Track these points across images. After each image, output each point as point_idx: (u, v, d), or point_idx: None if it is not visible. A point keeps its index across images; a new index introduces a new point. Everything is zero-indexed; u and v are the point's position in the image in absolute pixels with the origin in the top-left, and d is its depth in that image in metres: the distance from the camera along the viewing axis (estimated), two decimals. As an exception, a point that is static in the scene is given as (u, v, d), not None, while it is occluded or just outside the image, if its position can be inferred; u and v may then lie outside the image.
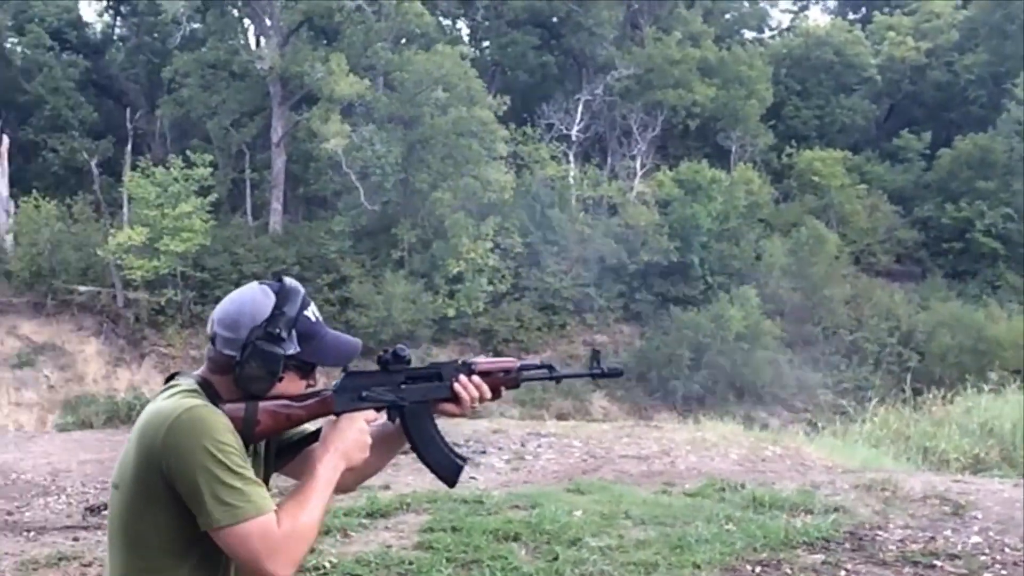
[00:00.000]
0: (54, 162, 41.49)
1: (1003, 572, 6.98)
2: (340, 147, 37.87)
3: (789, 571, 7.07)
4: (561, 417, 24.85)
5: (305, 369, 2.77)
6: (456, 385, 2.93)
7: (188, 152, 38.10)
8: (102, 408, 29.09)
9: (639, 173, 43.91)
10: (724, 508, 8.53)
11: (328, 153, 38.51)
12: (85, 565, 7.07)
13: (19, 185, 38.94)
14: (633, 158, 44.50)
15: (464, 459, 3.06)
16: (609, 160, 45.44)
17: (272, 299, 2.70)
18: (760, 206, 43.96)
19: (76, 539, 7.78)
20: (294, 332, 2.70)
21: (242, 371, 2.66)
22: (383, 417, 2.91)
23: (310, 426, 2.90)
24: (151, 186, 36.38)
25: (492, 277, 38.13)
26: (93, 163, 39.57)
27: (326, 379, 2.90)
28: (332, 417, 2.81)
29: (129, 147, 40.08)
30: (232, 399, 2.67)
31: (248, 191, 41.74)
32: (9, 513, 8.56)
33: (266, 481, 2.84)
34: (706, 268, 40.98)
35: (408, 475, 10.02)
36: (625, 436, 11.71)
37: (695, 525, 8.00)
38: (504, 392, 3.06)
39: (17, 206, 37.79)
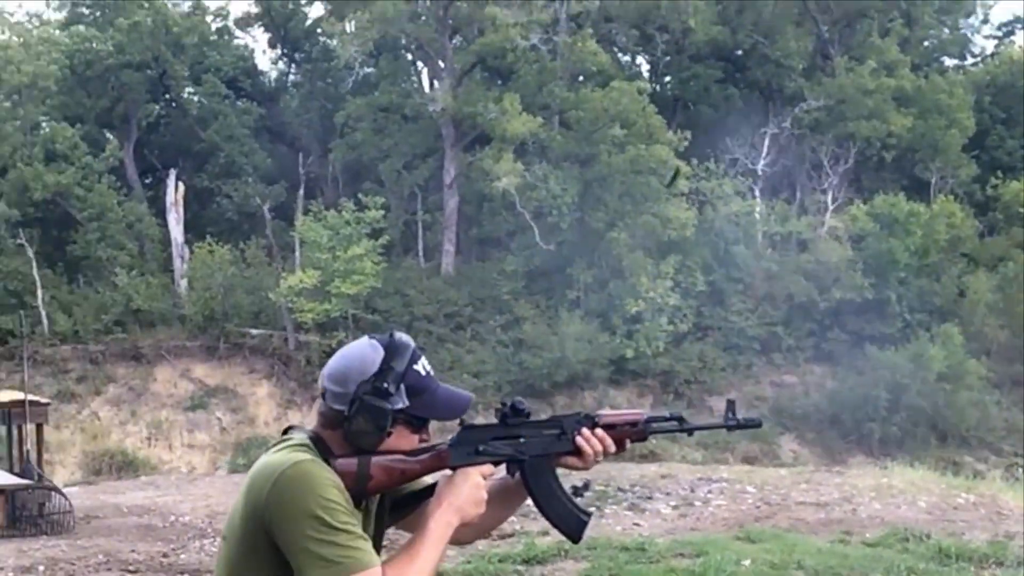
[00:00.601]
0: (228, 208, 43.01)
1: None
2: (513, 186, 38.24)
3: (976, 627, 6.74)
4: (747, 461, 24.43)
5: (416, 424, 2.76)
6: (579, 439, 2.88)
7: (360, 195, 39.07)
8: (274, 452, 29.79)
9: (830, 207, 43.03)
10: (906, 559, 8.20)
11: (501, 193, 38.91)
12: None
13: (194, 231, 40.55)
14: (824, 192, 43.64)
15: (588, 514, 3.01)
16: (798, 195, 44.71)
17: (381, 353, 2.70)
18: (963, 240, 42.59)
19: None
20: (403, 386, 2.69)
21: (351, 426, 2.66)
22: (502, 471, 2.88)
23: (427, 480, 2.87)
24: (323, 229, 37.38)
25: (673, 316, 37.85)
26: (266, 208, 40.90)
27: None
28: (448, 472, 2.79)
29: (301, 192, 41.38)
30: (344, 454, 2.68)
31: (420, 232, 42.48)
32: (165, 555, 8.80)
33: (380, 537, 2.84)
34: (904, 305, 39.86)
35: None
36: (804, 482, 11.39)
37: (873, 576, 7.71)
38: (629, 445, 2.98)
39: (192, 252, 39.30)
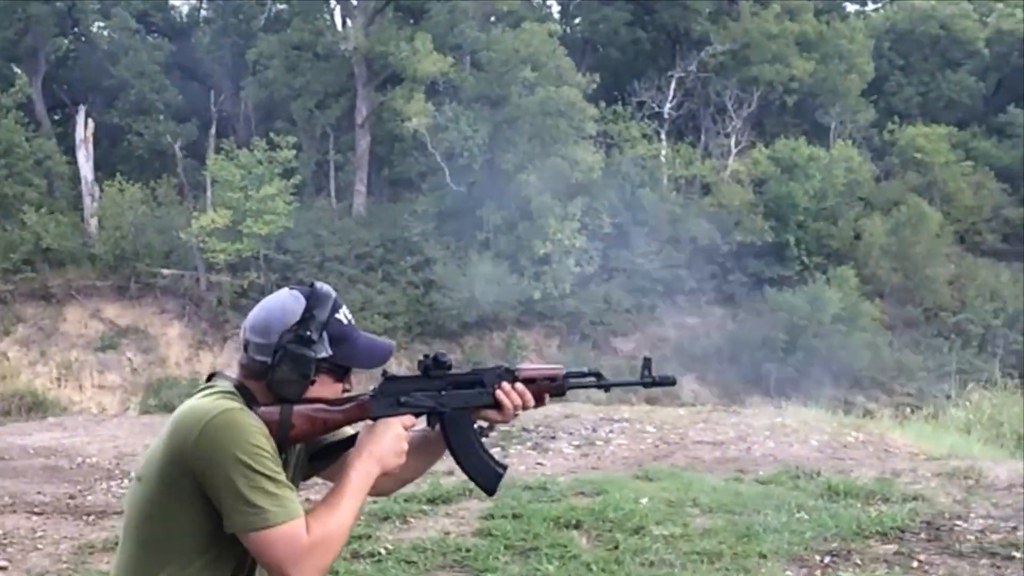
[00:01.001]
0: (139, 146, 42.28)
1: (1088, 565, 6.78)
2: (424, 127, 38.05)
3: (859, 562, 6.94)
4: (650, 401, 24.70)
5: (338, 372, 2.78)
6: (499, 392, 2.92)
7: (272, 134, 38.67)
8: (184, 391, 29.54)
9: (733, 151, 43.48)
10: (797, 496, 8.39)
11: (413, 134, 38.69)
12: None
13: (104, 169, 39.81)
14: (727, 136, 44.05)
15: (504, 467, 3.06)
16: (703, 138, 45.04)
17: (303, 303, 2.73)
18: (860, 184, 43.23)
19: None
20: (325, 335, 2.71)
21: (274, 374, 2.68)
22: (422, 423, 2.92)
23: (349, 430, 2.91)
24: (235, 168, 36.96)
25: (580, 259, 38.06)
26: (177, 146, 40.23)
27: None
28: (369, 422, 2.82)
29: (213, 130, 40.81)
30: (267, 403, 2.70)
31: (332, 173, 42.17)
32: (71, 497, 8.73)
33: (296, 486, 2.85)
34: (802, 248, 40.49)
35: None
36: (702, 422, 11.59)
37: (764, 514, 7.88)
38: (548, 400, 3.04)
39: (102, 190, 38.57)
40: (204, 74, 46.24)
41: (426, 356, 2.92)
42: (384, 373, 2.87)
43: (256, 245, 36.00)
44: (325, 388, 2.76)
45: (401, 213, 39.65)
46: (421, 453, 2.99)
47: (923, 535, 7.46)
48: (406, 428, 2.83)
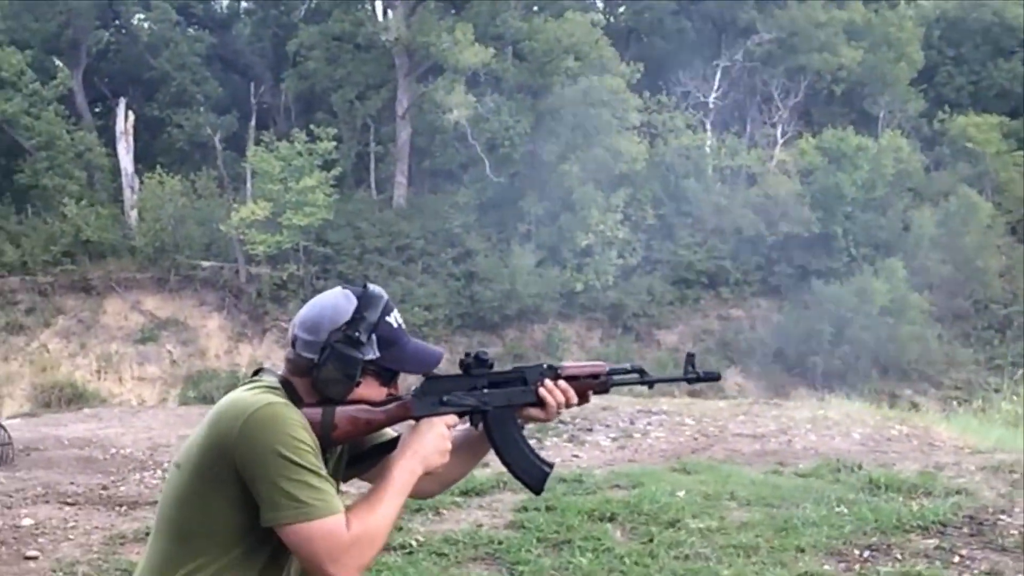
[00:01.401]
0: (179, 138, 42.50)
1: None
2: (465, 118, 38.07)
3: (899, 556, 6.87)
4: (692, 395, 24.59)
5: (385, 376, 2.77)
6: (541, 390, 2.89)
7: (312, 126, 38.79)
8: (223, 383, 29.81)
9: (780, 141, 43.24)
10: (837, 490, 8.33)
11: (454, 125, 38.73)
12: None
13: (144, 161, 40.09)
14: (774, 126, 43.81)
15: (551, 465, 3.02)
16: (748, 128, 44.78)
17: (354, 303, 2.71)
18: (909, 174, 42.82)
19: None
20: (374, 337, 2.70)
21: (320, 373, 2.67)
22: (466, 422, 2.90)
23: (391, 432, 2.90)
24: (275, 160, 37.12)
25: (622, 250, 37.99)
26: (217, 138, 40.45)
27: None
28: (412, 422, 2.81)
29: (253, 122, 41.01)
30: (311, 403, 2.69)
31: (372, 165, 42.25)
32: (104, 488, 8.79)
33: (337, 487, 2.84)
34: (850, 239, 40.17)
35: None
36: (742, 414, 11.52)
37: (803, 507, 7.82)
38: (592, 397, 3.01)
39: (142, 182, 38.86)
40: (244, 66, 46.48)
41: (468, 354, 2.90)
42: (425, 374, 2.85)
43: (296, 237, 36.16)
44: (370, 390, 2.75)
45: (442, 205, 39.69)
46: (464, 453, 2.97)
47: (965, 530, 7.38)
48: (449, 427, 2.81)
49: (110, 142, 40.31)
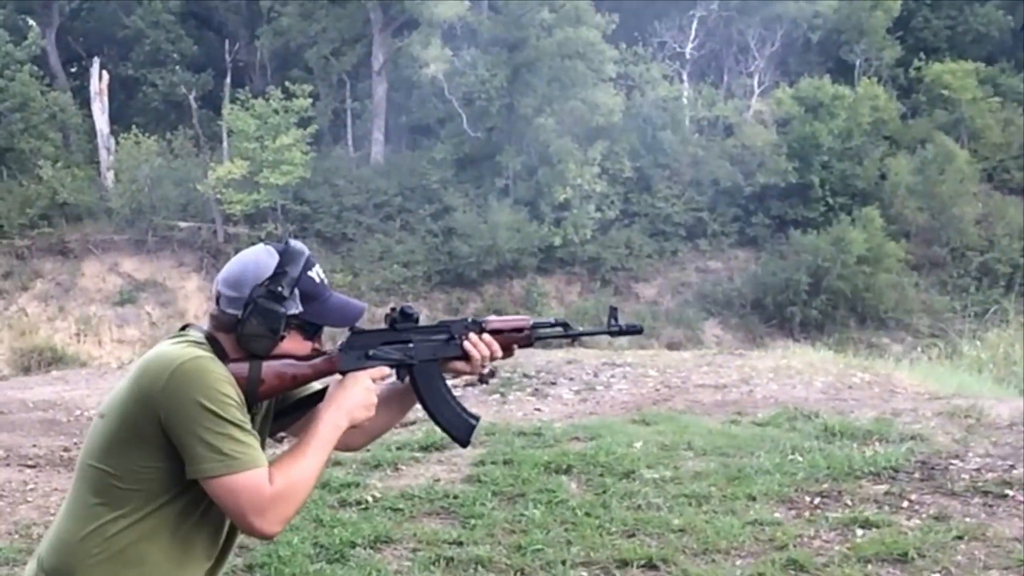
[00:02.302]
0: (154, 97, 42.26)
1: (1081, 502, 6.76)
2: (441, 72, 37.93)
3: (849, 502, 6.95)
4: (672, 347, 24.69)
5: (309, 330, 2.80)
6: (466, 343, 2.95)
7: (288, 83, 38.61)
8: (203, 344, 29.67)
9: (756, 91, 43.13)
10: (793, 438, 8.40)
11: (430, 79, 38.56)
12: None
13: (119, 122, 39.86)
14: (750, 75, 43.69)
15: (476, 417, 3.09)
16: (725, 78, 44.63)
17: (276, 259, 2.75)
18: (886, 123, 42.74)
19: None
20: (296, 292, 2.74)
21: (244, 329, 2.71)
22: (393, 376, 2.95)
23: (317, 386, 2.94)
24: (251, 119, 37.00)
25: (600, 204, 37.95)
26: (192, 97, 40.23)
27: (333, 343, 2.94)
28: (339, 376, 2.85)
29: (228, 80, 40.77)
30: (237, 358, 2.72)
31: (349, 121, 42.08)
32: (66, 449, 8.81)
33: (263, 444, 2.87)
34: (827, 189, 40.15)
35: (472, 408, 10.05)
36: (705, 365, 11.58)
37: (757, 456, 7.89)
38: (516, 351, 3.06)
39: (118, 143, 38.66)
40: (219, 23, 46.15)
41: (393, 309, 2.96)
42: (351, 328, 2.89)
43: (273, 196, 36.09)
44: (295, 345, 2.78)
45: (419, 161, 39.58)
46: (391, 406, 3.02)
47: (917, 475, 7.46)
48: (375, 381, 2.86)
49: (85, 103, 40.10)
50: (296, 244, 2.80)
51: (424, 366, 2.92)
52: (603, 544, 6.24)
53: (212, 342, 2.72)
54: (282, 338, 2.73)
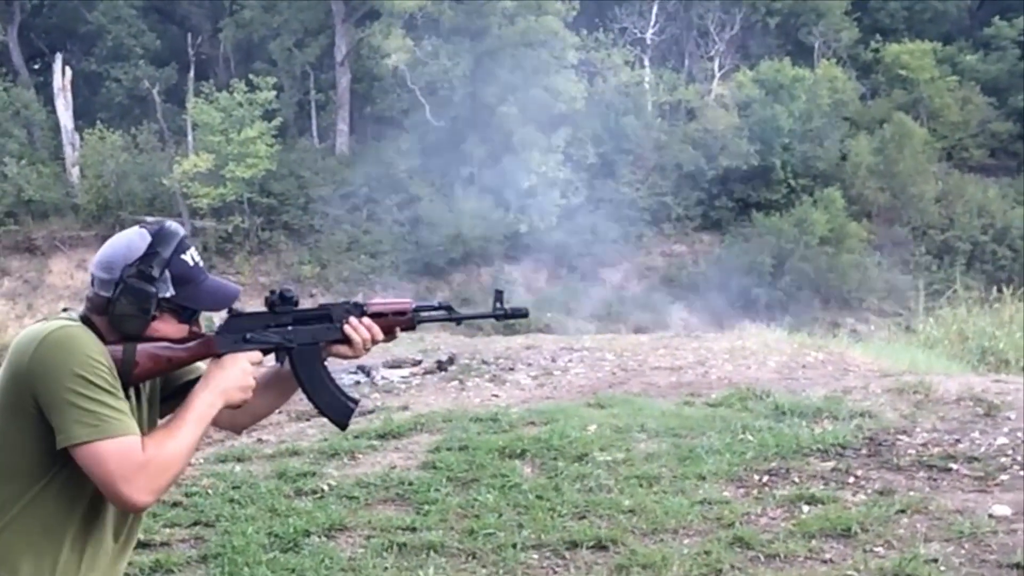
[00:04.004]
0: (118, 92, 42.03)
1: (1021, 473, 6.85)
2: (404, 62, 37.87)
3: (797, 479, 7.01)
4: (639, 331, 24.76)
5: (183, 314, 2.78)
6: (347, 327, 2.94)
7: (252, 75, 38.43)
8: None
9: (717, 75, 43.29)
10: (744, 418, 8.45)
11: (393, 70, 38.49)
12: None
13: (84, 117, 39.64)
14: (711, 59, 43.86)
15: (356, 400, 3.08)
16: (686, 63, 44.79)
17: (148, 240, 2.72)
18: (845, 104, 43.03)
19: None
20: (167, 274, 2.72)
21: (114, 309, 2.68)
22: (272, 360, 2.94)
23: (203, 367, 2.91)
24: (215, 112, 36.84)
25: (564, 190, 37.97)
26: (156, 91, 40.04)
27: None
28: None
29: (192, 73, 40.58)
30: (112, 340, 2.70)
31: (314, 113, 42.00)
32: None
33: (153, 425, 2.87)
34: (788, 171, 40.33)
35: (431, 395, 10.11)
36: (662, 347, 11.64)
37: (708, 436, 7.95)
38: (399, 334, 3.05)
39: (82, 138, 38.45)
40: (181, 16, 45.92)
41: (272, 292, 2.94)
42: (230, 311, 2.88)
43: (240, 189, 35.97)
44: (169, 327, 2.76)
45: (385, 151, 39.50)
46: (272, 389, 3.03)
47: (864, 451, 7.53)
48: (253, 364, 2.84)
49: (48, 99, 39.89)
50: (171, 225, 2.79)
51: (303, 349, 2.92)
52: (554, 526, 6.28)
53: (87, 323, 2.70)
54: (154, 318, 2.71)
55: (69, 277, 35.76)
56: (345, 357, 3.01)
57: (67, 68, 39.31)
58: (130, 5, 43.14)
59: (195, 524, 6.55)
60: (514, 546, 6.01)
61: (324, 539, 6.29)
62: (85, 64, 42.36)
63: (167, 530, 6.36)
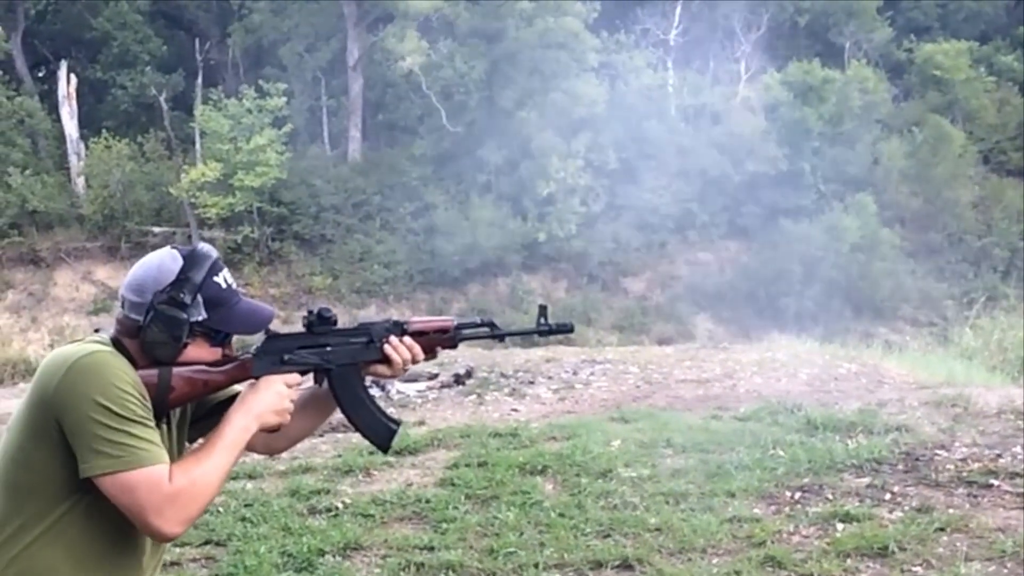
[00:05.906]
0: (124, 100, 42.08)
1: (1065, 490, 6.80)
2: (418, 66, 37.87)
3: (831, 496, 6.98)
4: (663, 342, 24.70)
5: (216, 337, 2.79)
6: (387, 347, 2.94)
7: (261, 81, 38.48)
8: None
9: (744, 77, 43.16)
10: (774, 432, 8.43)
11: (407, 74, 38.51)
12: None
13: (89, 126, 39.70)
14: (737, 61, 43.72)
15: (398, 422, 3.08)
16: (711, 65, 44.64)
17: (179, 263, 2.73)
18: (877, 106, 42.76)
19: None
20: (200, 298, 2.72)
21: (145, 335, 2.68)
22: (310, 381, 2.94)
23: (238, 388, 2.91)
24: (223, 119, 36.88)
25: (585, 197, 37.88)
26: (163, 99, 40.14)
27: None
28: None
29: (200, 80, 40.68)
30: (144, 365, 2.70)
31: (325, 119, 42.04)
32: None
33: (181, 452, 2.87)
34: (818, 176, 40.10)
35: (448, 410, 10.10)
36: (688, 360, 11.60)
37: (738, 451, 7.93)
38: (439, 353, 3.05)
39: (88, 147, 38.55)
40: (188, 22, 46.06)
41: (310, 312, 2.94)
42: (267, 332, 2.88)
43: (249, 198, 35.99)
44: (202, 351, 2.77)
45: (398, 158, 39.50)
46: (311, 411, 3.03)
47: (900, 466, 7.50)
48: (290, 386, 2.84)
49: (53, 107, 39.97)
50: (203, 248, 2.80)
51: (342, 370, 2.92)
52: (577, 545, 6.27)
53: (117, 345, 2.70)
54: (186, 345, 2.71)
55: (74, 289, 35.88)
56: (385, 377, 3.03)
57: (72, 75, 39.43)
58: (136, 10, 43.23)
59: (206, 543, 6.56)
60: (536, 566, 5.99)
61: (339, 559, 6.30)
62: (90, 71, 42.47)
63: (177, 549, 6.36)
